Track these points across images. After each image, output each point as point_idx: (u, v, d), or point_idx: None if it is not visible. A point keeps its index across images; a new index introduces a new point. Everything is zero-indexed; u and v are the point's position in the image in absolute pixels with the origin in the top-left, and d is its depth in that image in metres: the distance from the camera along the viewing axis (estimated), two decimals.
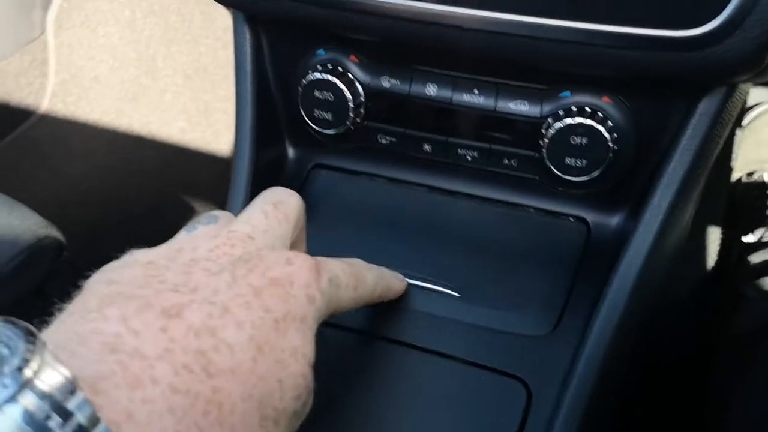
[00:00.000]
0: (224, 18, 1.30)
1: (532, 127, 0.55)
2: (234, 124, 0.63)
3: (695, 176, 0.52)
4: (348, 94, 0.57)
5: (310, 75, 0.58)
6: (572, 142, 0.53)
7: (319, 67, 0.58)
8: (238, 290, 0.36)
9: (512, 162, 0.58)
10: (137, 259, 0.37)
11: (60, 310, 0.33)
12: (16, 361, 0.26)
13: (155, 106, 1.31)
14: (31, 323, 0.28)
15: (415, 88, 0.57)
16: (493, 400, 0.50)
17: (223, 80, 1.32)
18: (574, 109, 0.53)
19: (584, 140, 0.52)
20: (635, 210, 0.55)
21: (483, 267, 0.58)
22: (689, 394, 0.78)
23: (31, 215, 0.66)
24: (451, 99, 0.56)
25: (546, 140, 0.53)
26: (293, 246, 0.45)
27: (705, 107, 0.50)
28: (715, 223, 0.81)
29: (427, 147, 0.59)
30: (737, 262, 0.85)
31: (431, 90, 0.57)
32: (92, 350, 0.30)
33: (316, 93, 0.58)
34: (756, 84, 0.53)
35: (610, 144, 0.52)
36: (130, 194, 1.25)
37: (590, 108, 0.52)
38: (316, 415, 0.39)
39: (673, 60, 0.46)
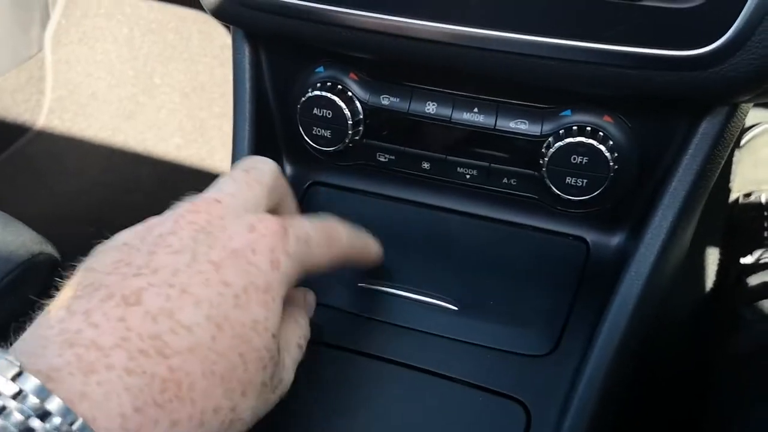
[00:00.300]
0: (222, 36, 1.31)
1: (533, 146, 0.54)
2: (230, 141, 0.62)
3: (697, 196, 0.52)
4: (347, 112, 0.57)
5: (309, 92, 0.58)
6: (573, 161, 0.52)
7: (319, 85, 0.58)
8: (198, 268, 0.37)
9: (512, 181, 0.57)
10: (115, 242, 0.39)
11: (40, 308, 0.36)
12: None
13: (151, 123, 1.31)
14: (9, 328, 0.32)
15: (415, 106, 0.57)
16: (492, 422, 0.49)
17: (220, 98, 1.32)
18: (574, 128, 0.52)
19: (585, 159, 0.52)
20: (636, 230, 0.55)
21: (482, 284, 0.57)
22: (688, 415, 0.77)
23: (25, 231, 0.65)
24: (450, 117, 0.56)
25: (546, 159, 0.53)
26: (278, 212, 0.44)
27: (707, 127, 0.50)
28: (714, 244, 0.81)
29: (425, 165, 0.59)
30: (735, 283, 0.85)
31: (431, 108, 0.56)
32: (53, 350, 0.32)
33: (315, 110, 0.58)
34: (757, 104, 0.53)
35: (611, 163, 0.52)
36: (125, 210, 1.24)
37: (591, 127, 0.52)
38: None
39: (675, 79, 0.46)
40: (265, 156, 0.61)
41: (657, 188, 0.53)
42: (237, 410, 0.36)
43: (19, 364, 0.30)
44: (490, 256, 0.59)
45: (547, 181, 0.54)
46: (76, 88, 1.29)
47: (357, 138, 0.58)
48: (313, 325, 0.49)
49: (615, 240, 0.57)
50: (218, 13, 0.57)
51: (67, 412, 0.30)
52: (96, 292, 0.35)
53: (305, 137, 0.59)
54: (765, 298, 0.80)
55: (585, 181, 0.53)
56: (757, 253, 0.88)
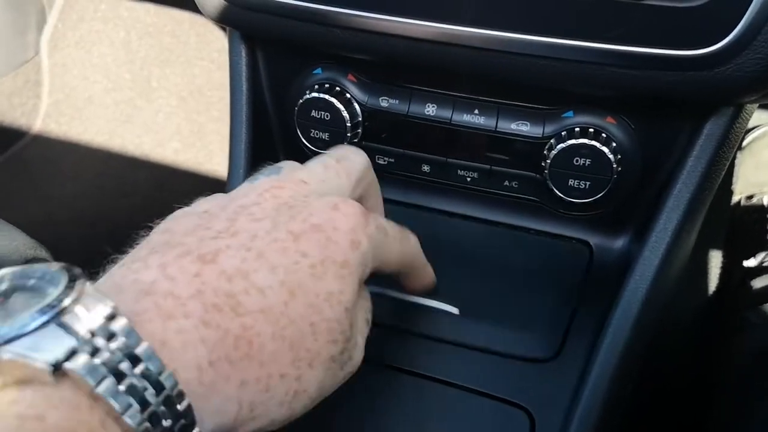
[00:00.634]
0: (219, 40, 1.30)
1: (534, 148, 0.54)
2: (228, 145, 0.61)
3: (702, 199, 0.51)
4: (345, 114, 0.56)
5: (307, 94, 0.57)
6: (575, 164, 0.52)
7: (317, 87, 0.57)
8: (277, 235, 0.37)
9: (513, 183, 0.56)
10: (195, 209, 0.39)
11: (114, 261, 0.36)
12: (56, 292, 0.29)
13: (148, 127, 1.30)
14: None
15: (414, 108, 0.56)
16: (495, 429, 0.49)
17: (218, 101, 1.31)
18: (577, 129, 0.52)
19: (587, 161, 0.51)
20: (640, 233, 0.54)
21: (484, 288, 0.56)
22: (693, 419, 0.76)
23: (18, 236, 0.64)
24: (450, 119, 0.55)
25: (548, 161, 0.52)
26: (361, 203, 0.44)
27: (712, 128, 0.49)
28: (717, 247, 0.80)
29: (425, 168, 0.58)
30: (739, 286, 0.84)
31: (431, 110, 0.56)
32: (129, 296, 0.32)
33: (313, 112, 0.57)
34: (762, 105, 0.52)
35: (614, 165, 0.51)
36: (122, 215, 1.23)
37: (594, 129, 0.51)
38: None
39: (680, 80, 0.45)
40: (262, 158, 0.60)
41: (661, 191, 0.52)
42: (302, 380, 0.36)
43: (113, 304, 0.30)
44: (491, 260, 0.58)
45: (550, 184, 0.53)
46: (72, 92, 1.28)
47: (356, 141, 0.58)
48: None
49: (618, 243, 0.56)
50: (214, 15, 0.56)
51: (154, 360, 0.30)
52: (172, 249, 0.35)
53: (303, 140, 0.59)
54: None
55: (588, 183, 0.52)
56: (760, 256, 0.88)
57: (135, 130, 1.29)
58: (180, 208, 0.41)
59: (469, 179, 0.57)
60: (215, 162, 1.32)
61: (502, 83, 0.53)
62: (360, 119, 0.57)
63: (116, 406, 0.28)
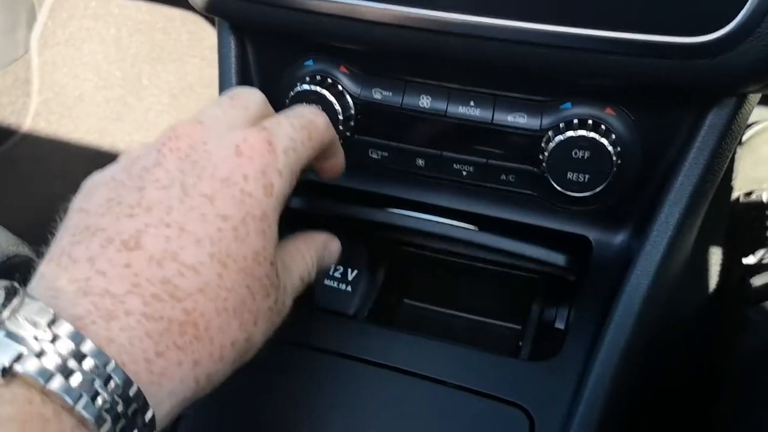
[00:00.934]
0: (211, 37, 1.28)
1: (531, 140, 0.52)
2: None
3: (704, 191, 0.50)
4: (338, 107, 0.55)
5: (297, 86, 0.55)
6: (574, 156, 0.50)
7: (308, 79, 0.55)
8: (191, 203, 0.36)
9: (510, 177, 0.55)
10: (102, 177, 0.39)
11: (41, 255, 0.36)
12: None
13: (139, 125, 1.28)
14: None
15: (408, 100, 0.54)
16: (493, 430, 0.47)
17: (209, 99, 1.29)
18: (575, 121, 0.50)
19: (586, 154, 0.50)
20: (640, 227, 0.52)
21: None
22: (695, 419, 0.75)
23: (1, 233, 0.63)
24: (445, 111, 0.54)
25: (546, 154, 0.51)
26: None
27: (714, 119, 0.48)
28: (716, 243, 0.79)
29: (420, 162, 0.57)
30: (739, 283, 0.83)
31: (425, 102, 0.54)
32: (67, 300, 0.33)
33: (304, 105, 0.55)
34: (764, 98, 0.51)
35: (614, 158, 0.49)
36: None
37: (593, 120, 0.50)
38: None
39: (682, 68, 0.44)
40: None
41: (662, 183, 0.51)
42: (252, 339, 0.37)
43: (53, 311, 0.31)
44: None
45: (547, 178, 0.52)
46: (62, 90, 1.26)
47: (348, 134, 0.56)
48: (312, 331, 0.48)
49: (618, 238, 0.55)
50: (203, 6, 0.54)
51: (99, 355, 0.31)
52: (94, 237, 0.35)
53: None
54: None
55: (587, 176, 0.51)
56: (759, 253, 0.86)
57: (126, 128, 1.28)
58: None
59: (464, 173, 0.56)
60: None
61: (499, 74, 0.52)
62: (352, 112, 0.55)
63: (67, 398, 0.30)
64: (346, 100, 0.55)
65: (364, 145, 0.57)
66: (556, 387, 0.48)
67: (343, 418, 0.48)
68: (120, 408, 0.31)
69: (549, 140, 0.51)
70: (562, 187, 0.52)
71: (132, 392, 0.31)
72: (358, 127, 0.56)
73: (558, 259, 0.56)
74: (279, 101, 0.58)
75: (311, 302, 0.60)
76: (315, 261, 0.46)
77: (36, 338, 0.30)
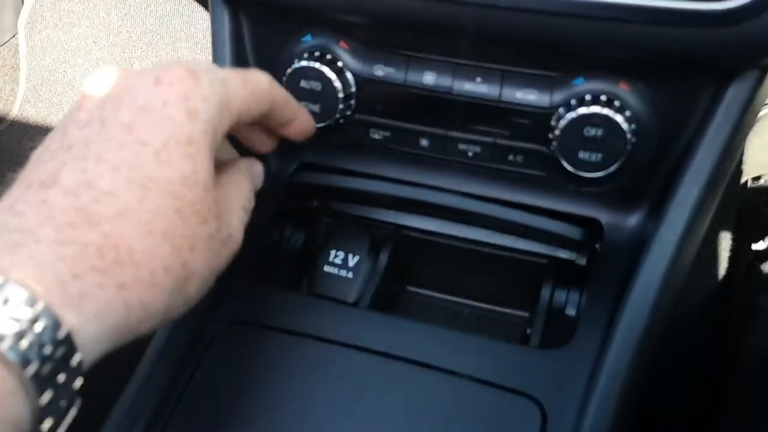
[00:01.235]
0: (204, 21, 1.25)
1: (541, 118, 0.50)
2: None
3: (723, 170, 0.47)
4: (337, 84, 0.52)
5: (295, 63, 0.52)
6: (586, 135, 0.48)
7: (306, 55, 0.52)
8: (109, 133, 0.36)
9: (518, 158, 0.52)
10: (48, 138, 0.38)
11: None
12: None
13: None
14: None
15: (412, 77, 0.52)
16: (504, 422, 0.45)
17: None
18: (588, 97, 0.48)
19: (600, 132, 0.47)
20: (655, 209, 0.50)
21: None
22: (707, 407, 0.73)
23: None
24: (451, 88, 0.51)
25: (556, 132, 0.48)
26: None
27: (735, 93, 0.45)
28: (727, 228, 0.77)
29: (424, 142, 0.54)
30: (748, 269, 0.81)
31: (429, 78, 0.51)
32: None
33: (303, 83, 0.53)
34: None
35: (629, 136, 0.47)
36: None
37: (606, 96, 0.47)
38: None
39: (702, 37, 0.42)
40: None
41: (679, 162, 0.48)
42: (189, 266, 0.36)
43: None
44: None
45: (558, 157, 0.49)
46: (51, 76, 1.23)
47: (348, 113, 0.53)
48: (311, 319, 0.46)
49: (632, 221, 0.53)
50: None
51: (11, 286, 0.30)
52: (16, 188, 0.35)
53: None
54: None
55: (600, 155, 0.48)
56: None
57: None
58: None
59: (470, 154, 0.53)
60: None
61: (508, 48, 0.49)
62: (353, 89, 0.53)
63: None
64: (347, 76, 0.52)
65: (365, 125, 0.55)
66: (569, 377, 0.46)
67: (346, 409, 0.46)
68: (38, 326, 0.30)
69: (560, 118, 0.48)
70: (573, 167, 0.49)
71: (39, 308, 0.30)
72: (359, 106, 0.54)
73: (575, 233, 0.54)
74: (276, 79, 0.55)
75: (310, 289, 0.58)
76: (250, 189, 0.45)
77: None
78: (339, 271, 0.58)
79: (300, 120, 0.48)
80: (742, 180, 0.94)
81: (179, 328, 0.51)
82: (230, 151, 0.47)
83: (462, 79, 0.51)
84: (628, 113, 0.47)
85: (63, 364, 0.31)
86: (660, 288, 0.47)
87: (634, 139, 0.47)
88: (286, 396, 0.47)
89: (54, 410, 0.31)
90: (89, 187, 0.34)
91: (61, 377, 0.31)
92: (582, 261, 0.56)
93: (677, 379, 0.73)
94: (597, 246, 0.54)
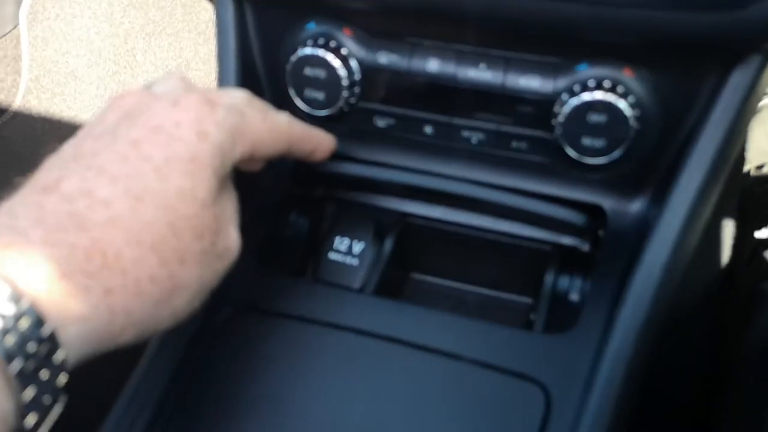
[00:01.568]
0: (207, 11, 1.25)
1: (545, 104, 0.50)
2: None
3: (726, 156, 0.48)
4: (342, 72, 0.52)
5: (299, 50, 0.53)
6: (590, 121, 0.48)
7: (310, 42, 0.53)
8: (116, 148, 0.37)
9: (522, 144, 0.53)
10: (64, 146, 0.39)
11: None
12: None
13: None
14: None
15: (416, 64, 0.52)
16: (508, 405, 0.45)
17: (205, 76, 1.26)
18: (591, 83, 0.48)
19: (603, 118, 0.47)
20: (659, 194, 0.50)
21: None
22: (710, 397, 0.73)
23: None
24: (455, 75, 0.51)
25: (560, 119, 0.48)
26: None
27: (739, 78, 0.45)
28: (729, 216, 0.77)
29: (428, 129, 0.54)
30: (751, 257, 0.81)
31: (433, 66, 0.52)
32: None
33: (307, 70, 0.53)
34: None
35: (632, 122, 0.47)
36: None
37: (610, 82, 0.47)
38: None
39: (707, 21, 0.42)
40: None
41: (683, 147, 0.48)
42: (177, 278, 0.37)
43: None
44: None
45: (562, 143, 0.49)
46: (53, 67, 1.23)
47: (353, 101, 0.54)
48: (317, 305, 0.47)
49: (635, 206, 0.53)
50: None
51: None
52: (21, 191, 0.36)
53: (296, 100, 0.55)
54: None
55: (603, 141, 0.48)
56: None
57: None
58: None
59: (474, 141, 0.53)
60: None
61: (512, 34, 0.49)
62: (357, 77, 0.53)
63: None
64: (351, 64, 0.53)
65: (369, 112, 0.55)
66: (573, 361, 0.46)
67: (352, 393, 0.46)
68: (23, 322, 0.30)
69: (563, 104, 0.48)
70: (576, 154, 0.49)
71: (26, 304, 0.31)
72: (363, 93, 0.54)
73: (578, 219, 0.54)
74: (280, 67, 0.55)
75: (315, 276, 0.58)
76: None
77: None
78: (344, 258, 0.58)
79: (321, 149, 0.50)
80: (745, 169, 0.94)
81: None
82: None
83: (466, 66, 0.51)
84: (631, 99, 0.47)
85: (46, 361, 0.31)
86: (663, 273, 0.47)
87: (637, 125, 0.47)
88: (292, 380, 0.47)
89: (37, 406, 0.31)
90: (86, 195, 0.35)
91: (45, 374, 0.31)
92: (585, 247, 0.56)
93: (680, 363, 0.73)
94: (600, 232, 0.54)
